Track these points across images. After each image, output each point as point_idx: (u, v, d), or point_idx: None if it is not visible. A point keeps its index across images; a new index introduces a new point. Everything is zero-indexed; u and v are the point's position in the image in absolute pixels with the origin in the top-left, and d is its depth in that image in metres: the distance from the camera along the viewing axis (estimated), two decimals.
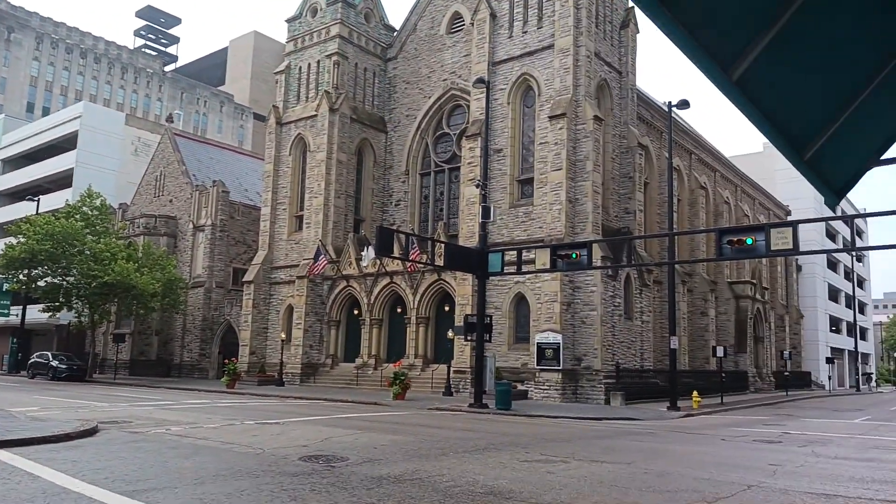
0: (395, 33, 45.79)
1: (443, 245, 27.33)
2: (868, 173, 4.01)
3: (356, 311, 40.26)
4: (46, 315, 46.26)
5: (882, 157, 4.06)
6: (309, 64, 44.29)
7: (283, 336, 40.27)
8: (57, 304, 43.19)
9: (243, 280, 44.73)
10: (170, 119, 58.34)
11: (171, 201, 52.74)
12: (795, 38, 2.54)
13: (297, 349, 40.11)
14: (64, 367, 41.95)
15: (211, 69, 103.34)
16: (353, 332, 40.57)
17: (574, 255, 22.35)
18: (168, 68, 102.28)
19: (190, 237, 50.15)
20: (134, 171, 59.60)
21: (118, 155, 60.79)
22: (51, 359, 43.47)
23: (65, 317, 49.01)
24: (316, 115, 42.54)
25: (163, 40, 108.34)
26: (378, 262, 36.90)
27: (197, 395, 30.12)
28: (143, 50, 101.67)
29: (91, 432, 13.51)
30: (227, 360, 39.13)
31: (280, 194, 44.25)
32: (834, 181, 3.81)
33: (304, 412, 21.53)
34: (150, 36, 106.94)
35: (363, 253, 35.64)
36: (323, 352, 40.80)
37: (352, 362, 39.41)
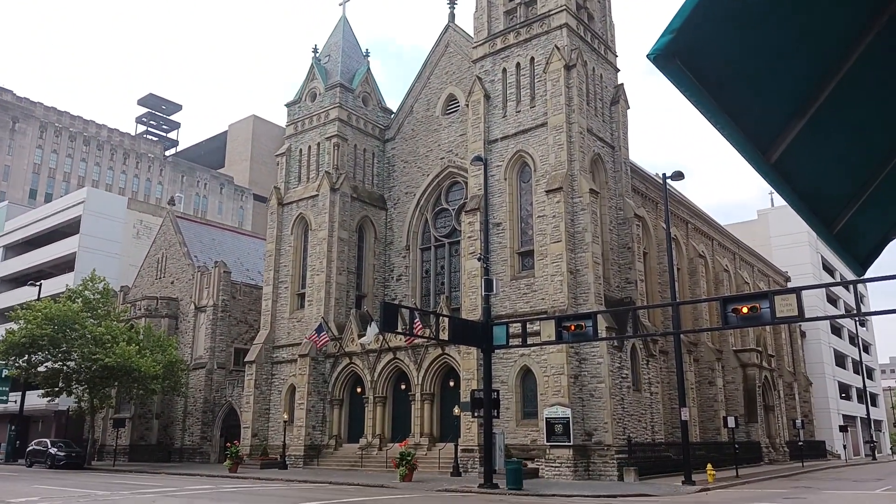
0: (392, 115, 47.16)
1: (446, 319, 27.29)
2: (892, 243, 4.13)
3: (359, 389, 39.73)
4: (45, 401, 45.53)
5: None
6: (309, 146, 45.38)
7: (286, 417, 39.58)
8: (57, 388, 42.62)
9: (245, 360, 44.32)
10: (171, 202, 59.25)
11: (172, 283, 52.85)
12: (828, 122, 2.73)
13: (300, 430, 39.33)
14: (63, 454, 41.01)
15: (211, 153, 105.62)
16: (356, 410, 39.91)
17: (580, 327, 22.31)
18: (169, 152, 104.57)
19: (191, 318, 49.99)
20: (135, 254, 59.99)
21: (120, 238, 61.32)
22: (49, 446, 42.52)
23: (64, 402, 48.21)
24: (317, 195, 43.24)
25: (164, 126, 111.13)
26: (381, 337, 36.70)
27: (199, 481, 29.33)
28: (144, 136, 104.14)
29: None
30: (228, 443, 38.31)
31: (282, 273, 44.45)
32: (859, 252, 3.94)
33: (311, 496, 20.95)
34: (151, 122, 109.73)
35: (368, 329, 35.51)
36: (326, 432, 40.00)
37: (356, 442, 38.59)
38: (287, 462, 37.30)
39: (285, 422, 39.17)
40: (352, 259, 43.07)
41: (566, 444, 29.21)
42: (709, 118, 2.43)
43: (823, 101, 2.77)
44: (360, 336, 38.16)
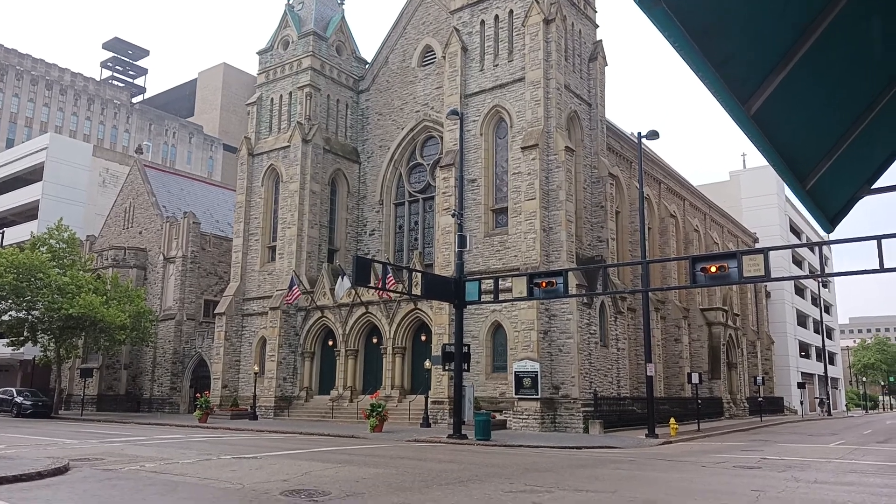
0: (366, 66, 46.20)
1: (419, 274, 27.31)
2: (861, 202, 4.15)
3: (331, 343, 39.85)
4: (10, 350, 44.87)
5: (873, 187, 4.21)
6: (281, 95, 44.39)
7: (257, 369, 39.64)
8: (22, 338, 42.02)
9: (215, 312, 44.08)
10: (139, 150, 57.73)
11: (140, 233, 51.97)
12: (806, 77, 2.69)
13: (271, 382, 39.49)
14: (29, 403, 40.68)
15: (179, 101, 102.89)
16: (327, 363, 40.10)
17: (551, 284, 22.50)
18: (136, 100, 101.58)
19: (160, 269, 49.38)
20: (102, 203, 58.72)
21: (85, 186, 59.83)
22: (15, 395, 42.14)
23: (30, 351, 47.62)
24: (289, 146, 42.51)
25: (130, 72, 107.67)
26: (354, 292, 36.68)
27: (169, 430, 29.38)
28: (110, 81, 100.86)
29: (62, 470, 13.08)
30: (198, 394, 38.30)
31: (252, 225, 43.92)
32: (829, 209, 3.95)
33: (281, 446, 21.12)
34: (117, 67, 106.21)
35: (338, 283, 35.42)
36: (297, 384, 40.21)
37: (327, 394, 38.88)
38: (257, 413, 37.50)
39: (256, 373, 39.25)
40: (324, 212, 42.66)
41: (534, 397, 29.80)
42: (692, 66, 2.36)
43: (803, 56, 2.73)
44: (332, 290, 38.11)
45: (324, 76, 43.71)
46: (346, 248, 43.31)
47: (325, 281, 39.52)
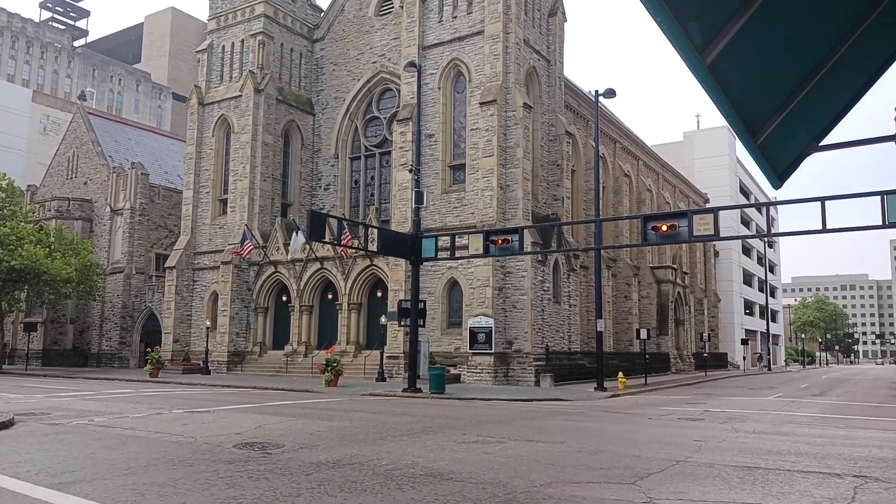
0: (322, 14, 44.87)
1: (375, 230, 27.12)
2: (808, 160, 4.21)
3: (285, 298, 39.54)
4: None
5: (821, 144, 4.27)
6: (232, 43, 42.88)
7: (209, 323, 39.15)
8: None
9: (165, 266, 43.19)
10: (82, 97, 55.32)
11: (85, 184, 50.19)
12: (761, 30, 2.68)
13: (224, 337, 39.11)
14: None
15: (125, 46, 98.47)
16: (281, 319, 39.84)
17: (507, 241, 22.63)
18: (78, 43, 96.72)
19: (107, 221, 47.93)
20: (43, 152, 56.40)
21: (25, 134, 57.38)
22: None
23: None
24: (240, 96, 41.29)
25: (71, 13, 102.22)
26: (308, 247, 36.30)
27: (119, 385, 28.96)
28: (49, 23, 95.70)
29: (7, 425, 12.79)
30: (149, 349, 37.77)
31: (203, 177, 42.81)
32: (778, 165, 4.01)
33: (235, 400, 21.04)
34: (56, 8, 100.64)
35: (293, 238, 34.97)
36: (250, 339, 39.93)
37: (281, 350, 38.75)
38: (210, 368, 37.19)
39: (208, 328, 38.79)
40: (277, 165, 41.81)
41: (488, 351, 30.28)
42: (651, 11, 2.32)
43: (759, 7, 2.71)
44: (286, 245, 37.64)
45: (277, 23, 42.32)
46: (300, 203, 42.66)
47: (279, 236, 38.99)
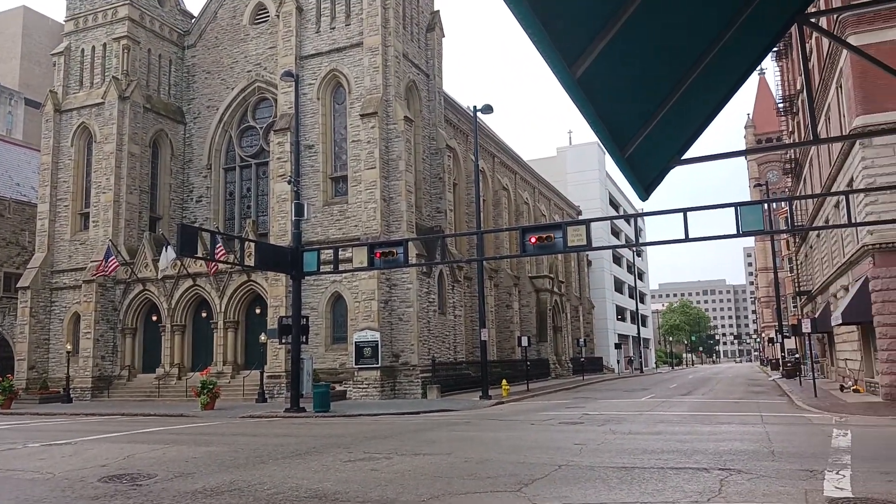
0: (192, 20, 43.01)
1: (253, 244, 26.13)
2: (672, 172, 4.43)
3: (155, 318, 37.26)
4: None
5: (683, 157, 4.50)
6: (93, 46, 40.19)
7: (69, 347, 36.17)
8: None
9: (17, 286, 39.51)
10: None
11: None
12: (626, 46, 2.76)
13: (87, 361, 36.27)
14: None
15: None
16: (151, 340, 37.50)
17: (391, 253, 22.50)
18: None
19: None
20: None
21: None
22: None
23: None
24: (103, 103, 38.71)
25: None
26: (179, 263, 34.47)
27: None
28: None
29: None
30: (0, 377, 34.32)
31: (61, 189, 39.67)
32: (644, 178, 4.18)
33: (100, 429, 19.50)
34: None
35: (162, 253, 33.11)
36: (118, 363, 37.30)
37: (152, 372, 36.46)
38: (72, 395, 34.38)
39: (69, 352, 35.85)
40: (145, 177, 39.48)
41: (374, 365, 29.99)
42: (522, 23, 2.31)
43: (623, 24, 2.79)
44: (155, 261, 35.57)
45: (144, 28, 40.11)
46: (170, 216, 40.48)
47: (147, 251, 36.79)
